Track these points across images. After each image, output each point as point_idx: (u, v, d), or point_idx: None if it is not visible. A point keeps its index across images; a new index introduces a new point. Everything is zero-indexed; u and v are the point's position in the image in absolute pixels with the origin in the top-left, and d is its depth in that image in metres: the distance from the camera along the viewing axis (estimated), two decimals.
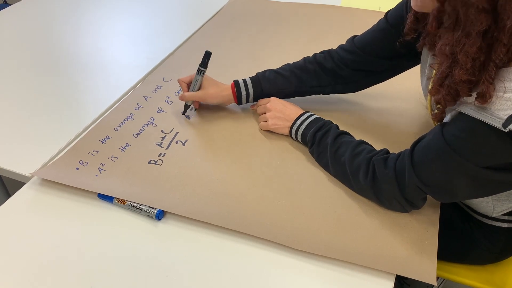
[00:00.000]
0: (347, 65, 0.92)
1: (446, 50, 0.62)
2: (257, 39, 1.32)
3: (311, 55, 0.97)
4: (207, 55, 0.95)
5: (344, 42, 0.99)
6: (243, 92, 0.97)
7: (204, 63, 0.95)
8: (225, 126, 0.97)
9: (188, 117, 0.99)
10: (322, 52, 0.96)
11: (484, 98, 0.59)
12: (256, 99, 0.99)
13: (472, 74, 0.59)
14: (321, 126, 0.86)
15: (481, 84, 0.59)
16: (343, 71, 0.93)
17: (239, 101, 0.98)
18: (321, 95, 1.00)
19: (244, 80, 0.98)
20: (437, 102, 0.67)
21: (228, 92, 0.98)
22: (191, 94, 0.97)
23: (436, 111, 0.70)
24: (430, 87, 0.69)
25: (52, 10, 1.51)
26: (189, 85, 0.98)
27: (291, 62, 0.99)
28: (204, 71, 0.96)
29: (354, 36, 0.93)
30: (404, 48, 0.81)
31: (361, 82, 0.96)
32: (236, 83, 0.98)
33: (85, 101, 1.06)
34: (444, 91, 0.64)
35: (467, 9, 0.56)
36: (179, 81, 0.98)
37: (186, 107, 0.99)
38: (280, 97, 0.97)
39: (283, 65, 0.99)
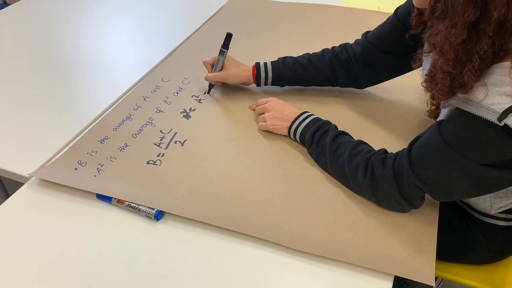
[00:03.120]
0: (357, 60, 0.96)
1: (433, 39, 0.63)
2: (256, 39, 1.32)
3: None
4: (228, 36, 1.01)
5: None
6: (262, 75, 1.02)
7: (225, 44, 1.01)
8: (223, 126, 0.97)
9: (187, 117, 0.99)
10: (340, 46, 1.01)
11: (466, 88, 0.61)
12: (274, 82, 1.04)
13: (453, 67, 0.61)
14: (319, 126, 0.86)
15: (463, 75, 0.60)
16: (354, 66, 0.97)
17: (258, 82, 1.04)
18: (328, 91, 1.05)
19: (265, 64, 1.03)
20: (433, 97, 0.68)
21: (248, 73, 1.03)
22: (213, 75, 1.04)
23: (432, 107, 0.71)
24: (423, 80, 0.71)
25: (51, 10, 1.51)
26: (212, 66, 1.05)
27: None
28: (225, 52, 1.02)
29: (368, 31, 0.96)
30: (411, 43, 0.82)
31: (369, 78, 1.00)
32: (257, 65, 1.03)
33: (84, 101, 1.06)
34: (435, 84, 0.65)
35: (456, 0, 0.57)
36: (204, 62, 1.06)
37: (210, 86, 1.07)
38: (296, 84, 1.05)
39: (303, 54, 1.04)
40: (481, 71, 0.60)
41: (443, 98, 0.67)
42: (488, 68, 0.60)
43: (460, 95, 0.63)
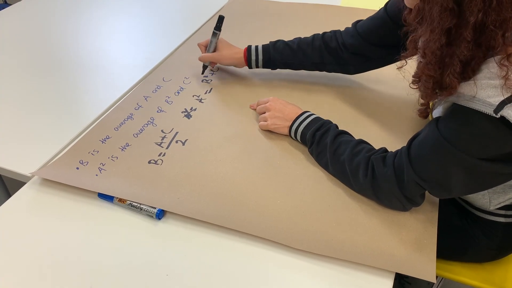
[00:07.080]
0: (346, 48, 0.98)
1: (414, 43, 0.65)
2: (256, 39, 1.32)
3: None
4: (220, 19, 1.05)
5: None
6: (253, 57, 1.06)
7: (218, 26, 1.05)
8: (224, 126, 0.97)
9: (188, 116, 1.00)
10: (330, 32, 1.02)
11: (449, 90, 0.62)
12: (264, 65, 1.07)
13: (434, 70, 0.63)
14: (320, 126, 0.86)
15: (446, 77, 0.62)
16: (343, 53, 0.99)
17: (249, 64, 1.07)
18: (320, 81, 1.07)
19: (256, 47, 1.06)
20: (421, 97, 0.70)
21: (240, 55, 1.06)
22: (206, 55, 1.08)
23: (421, 106, 0.72)
24: (411, 81, 0.73)
25: (52, 10, 1.51)
26: (206, 48, 1.09)
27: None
28: (217, 34, 1.06)
29: (359, 21, 0.98)
30: (400, 38, 0.83)
31: (358, 66, 1.02)
32: (248, 48, 1.06)
33: (85, 101, 1.06)
34: (421, 86, 0.67)
35: (432, 6, 0.59)
36: (198, 44, 1.10)
37: (204, 67, 1.12)
38: (286, 68, 1.07)
39: (294, 38, 1.06)
40: (464, 73, 0.62)
41: (428, 99, 0.69)
42: (481, 64, 0.61)
43: (456, 95, 0.64)
